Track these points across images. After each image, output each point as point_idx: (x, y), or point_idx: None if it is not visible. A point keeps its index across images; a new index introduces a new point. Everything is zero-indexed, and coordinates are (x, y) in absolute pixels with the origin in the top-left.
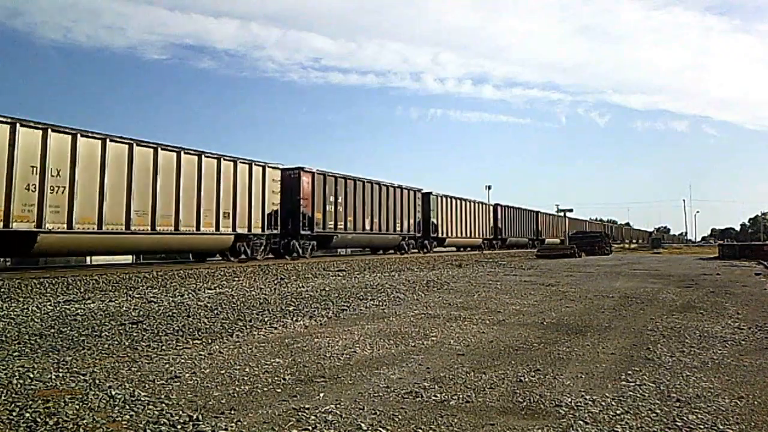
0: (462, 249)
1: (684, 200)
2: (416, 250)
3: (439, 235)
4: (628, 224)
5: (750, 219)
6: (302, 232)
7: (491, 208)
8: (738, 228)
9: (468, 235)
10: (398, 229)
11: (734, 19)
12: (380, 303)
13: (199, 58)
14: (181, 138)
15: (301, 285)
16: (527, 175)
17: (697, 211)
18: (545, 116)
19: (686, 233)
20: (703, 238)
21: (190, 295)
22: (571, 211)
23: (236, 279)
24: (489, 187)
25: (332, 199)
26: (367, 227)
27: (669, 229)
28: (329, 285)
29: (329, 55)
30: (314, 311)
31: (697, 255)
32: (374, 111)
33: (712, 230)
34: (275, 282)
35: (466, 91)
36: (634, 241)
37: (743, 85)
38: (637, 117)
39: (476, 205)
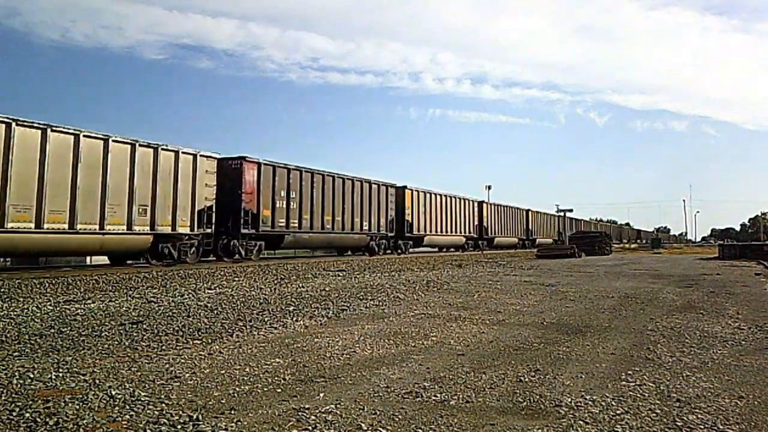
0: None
1: (684, 200)
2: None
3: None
4: (628, 224)
5: (750, 219)
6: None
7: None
8: (738, 228)
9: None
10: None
11: (733, 19)
12: (380, 303)
13: (197, 58)
14: (180, 138)
15: (301, 285)
16: (527, 175)
17: (697, 211)
18: (544, 116)
19: (686, 233)
20: (703, 238)
21: (190, 295)
22: (571, 211)
23: (236, 279)
24: (489, 187)
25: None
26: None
27: (669, 229)
28: (329, 285)
29: (328, 54)
30: (314, 311)
31: (697, 255)
32: (373, 111)
33: (712, 230)
34: (275, 282)
35: (465, 91)
36: (634, 241)
37: (743, 85)
38: (636, 117)
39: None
